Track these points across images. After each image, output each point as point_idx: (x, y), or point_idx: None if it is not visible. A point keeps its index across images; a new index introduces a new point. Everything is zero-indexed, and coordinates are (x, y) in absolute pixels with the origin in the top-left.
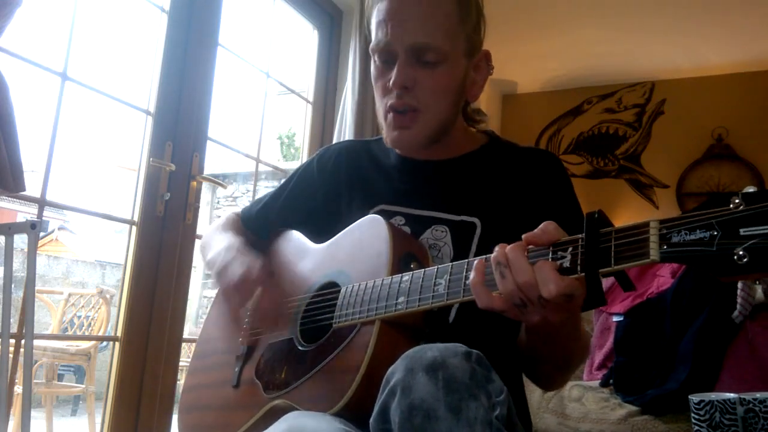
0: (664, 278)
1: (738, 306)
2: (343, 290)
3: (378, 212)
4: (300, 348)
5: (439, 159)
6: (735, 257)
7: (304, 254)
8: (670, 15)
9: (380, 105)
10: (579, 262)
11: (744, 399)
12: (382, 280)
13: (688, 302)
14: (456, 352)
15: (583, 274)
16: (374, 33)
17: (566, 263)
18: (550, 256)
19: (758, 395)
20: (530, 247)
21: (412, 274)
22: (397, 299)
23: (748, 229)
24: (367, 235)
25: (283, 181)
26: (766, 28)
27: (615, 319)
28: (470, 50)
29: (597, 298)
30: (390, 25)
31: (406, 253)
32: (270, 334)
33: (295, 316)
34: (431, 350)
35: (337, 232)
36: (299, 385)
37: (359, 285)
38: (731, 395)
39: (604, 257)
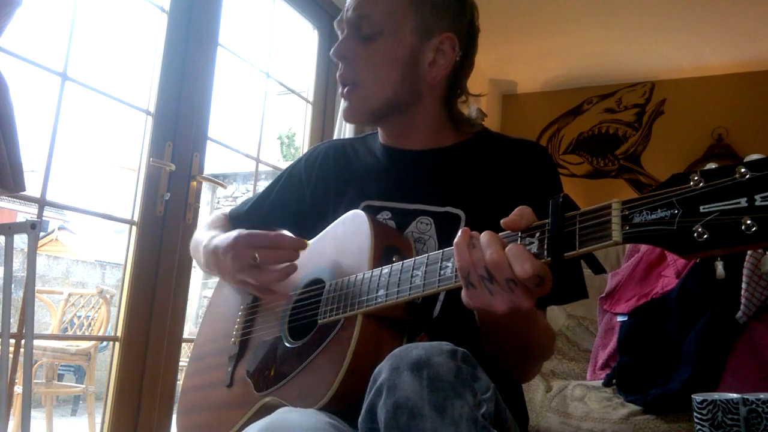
0: (668, 278)
1: (742, 306)
2: (326, 286)
3: (365, 208)
4: (287, 345)
5: (425, 149)
6: (695, 234)
7: None
8: (670, 15)
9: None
10: (546, 246)
11: (747, 399)
12: (363, 275)
13: (692, 302)
14: (441, 351)
15: (549, 258)
16: None
17: (534, 248)
18: (519, 241)
19: (761, 396)
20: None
21: (392, 267)
22: (377, 292)
23: (707, 205)
24: (349, 231)
25: (272, 180)
26: (766, 28)
27: (619, 319)
28: (424, 30)
29: (573, 287)
30: (346, 3)
31: (388, 246)
32: (260, 333)
33: (283, 313)
34: (417, 349)
35: (324, 226)
36: (287, 382)
37: (342, 280)
38: (734, 395)
39: (569, 241)
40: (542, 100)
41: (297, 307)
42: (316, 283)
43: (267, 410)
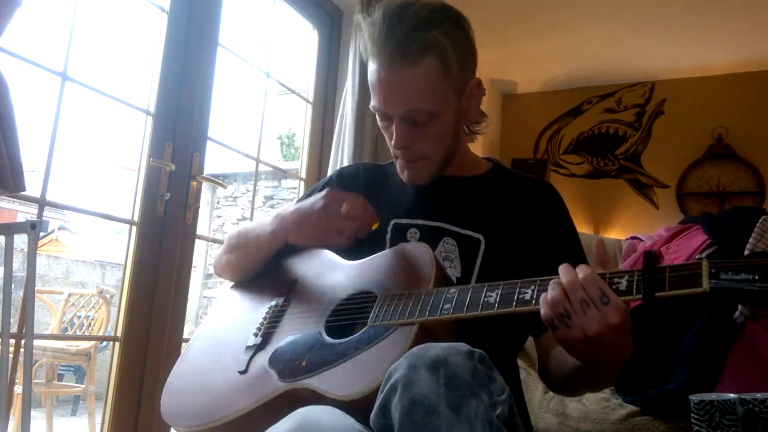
0: None
1: (739, 306)
2: (381, 295)
3: (393, 226)
4: (327, 341)
5: (450, 176)
6: None
7: (335, 268)
8: (670, 15)
9: (390, 146)
10: (635, 286)
11: (744, 399)
12: (425, 290)
13: (689, 302)
14: (458, 351)
15: (639, 295)
16: (370, 89)
17: (622, 287)
18: (607, 281)
19: (759, 395)
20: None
21: (459, 287)
22: (443, 305)
23: None
24: (410, 257)
25: (304, 196)
26: (766, 29)
27: None
28: (460, 92)
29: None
30: (381, 95)
31: (446, 278)
32: (289, 329)
33: (319, 317)
34: (434, 348)
35: (356, 247)
36: (323, 371)
37: (400, 292)
38: (731, 395)
39: (660, 283)
40: (542, 100)
41: (339, 311)
42: (364, 293)
43: (287, 398)
